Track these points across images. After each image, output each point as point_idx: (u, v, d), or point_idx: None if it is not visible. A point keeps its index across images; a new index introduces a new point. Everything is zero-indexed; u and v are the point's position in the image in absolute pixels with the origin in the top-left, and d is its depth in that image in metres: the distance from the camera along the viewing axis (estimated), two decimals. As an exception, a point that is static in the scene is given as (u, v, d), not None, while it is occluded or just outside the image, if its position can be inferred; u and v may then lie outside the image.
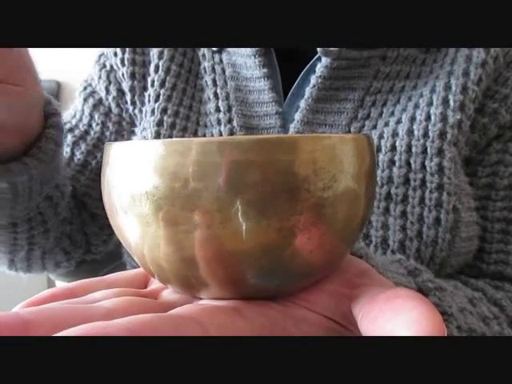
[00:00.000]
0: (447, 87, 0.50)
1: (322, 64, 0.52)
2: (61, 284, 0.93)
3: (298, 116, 0.53)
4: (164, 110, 0.56)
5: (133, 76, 0.59)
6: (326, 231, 0.25)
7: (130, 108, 0.60)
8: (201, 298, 0.27)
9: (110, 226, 0.28)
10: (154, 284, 0.31)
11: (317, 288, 0.27)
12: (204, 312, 0.23)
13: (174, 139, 0.24)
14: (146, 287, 0.31)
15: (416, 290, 0.39)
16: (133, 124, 0.62)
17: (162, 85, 0.57)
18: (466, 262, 0.52)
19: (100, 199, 0.28)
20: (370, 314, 0.23)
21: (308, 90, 0.52)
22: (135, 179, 0.24)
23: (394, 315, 0.22)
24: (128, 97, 0.60)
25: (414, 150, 0.49)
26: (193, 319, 0.22)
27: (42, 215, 0.51)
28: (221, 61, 0.58)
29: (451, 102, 0.49)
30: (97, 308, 0.23)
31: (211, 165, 0.22)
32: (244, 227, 0.23)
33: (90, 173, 0.61)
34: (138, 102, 0.60)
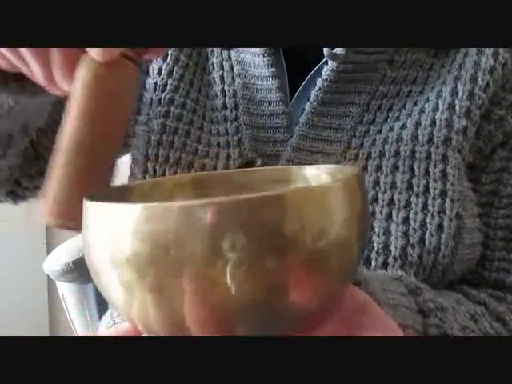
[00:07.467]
0: (454, 93, 0.50)
1: (328, 67, 0.51)
2: (61, 284, 0.93)
3: (303, 119, 0.52)
4: (171, 101, 0.55)
5: None
6: (319, 281, 0.24)
7: None
8: None
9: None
10: None
11: (313, 331, 0.26)
12: None
13: (152, 204, 0.22)
14: None
15: (417, 311, 0.38)
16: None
17: (170, 74, 0.56)
18: (469, 269, 0.52)
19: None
20: None
21: (314, 93, 0.52)
22: (114, 244, 0.23)
23: None
24: None
25: (417, 155, 0.49)
26: None
27: None
28: (229, 58, 0.57)
29: (457, 108, 0.49)
30: None
31: (193, 229, 0.21)
32: (233, 290, 0.22)
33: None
34: None
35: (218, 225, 0.21)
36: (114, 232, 0.23)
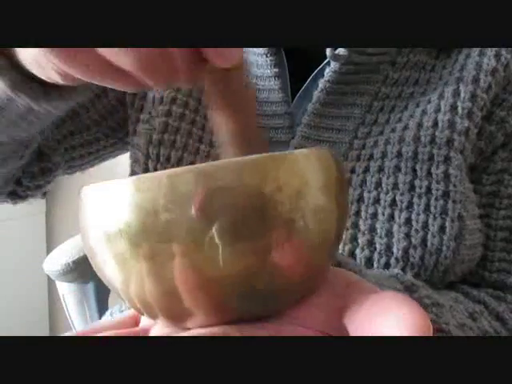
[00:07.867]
0: (456, 94, 0.50)
1: (330, 68, 0.51)
2: (61, 284, 0.93)
3: (304, 119, 0.52)
4: (173, 100, 0.55)
5: None
6: (301, 245, 0.25)
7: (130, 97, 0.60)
8: (190, 329, 0.27)
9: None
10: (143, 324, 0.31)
11: (306, 303, 0.27)
12: None
13: (140, 176, 0.24)
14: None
15: None
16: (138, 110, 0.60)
17: None
18: (469, 270, 0.52)
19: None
20: (364, 328, 0.23)
21: (316, 94, 0.52)
22: (108, 219, 0.24)
23: (383, 320, 0.22)
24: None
25: (420, 156, 0.49)
26: None
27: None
28: None
29: (459, 109, 0.49)
30: None
31: (180, 195, 0.23)
32: (220, 253, 0.23)
33: None
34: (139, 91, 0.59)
35: (202, 191, 0.23)
36: (106, 208, 0.24)
